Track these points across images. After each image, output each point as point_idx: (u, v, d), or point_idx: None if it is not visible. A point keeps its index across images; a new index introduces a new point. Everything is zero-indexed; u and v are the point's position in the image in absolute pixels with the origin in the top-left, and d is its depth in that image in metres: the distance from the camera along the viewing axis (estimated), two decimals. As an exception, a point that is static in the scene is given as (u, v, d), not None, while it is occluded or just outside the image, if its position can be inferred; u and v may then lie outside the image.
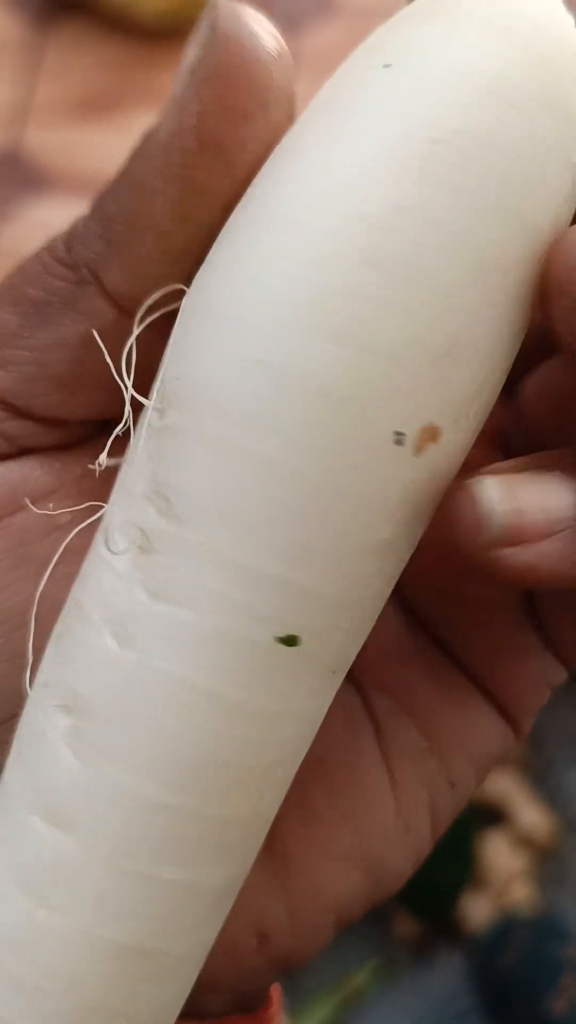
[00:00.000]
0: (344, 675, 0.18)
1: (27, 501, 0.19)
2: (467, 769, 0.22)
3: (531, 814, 0.60)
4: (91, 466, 0.19)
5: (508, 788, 0.61)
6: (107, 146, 0.81)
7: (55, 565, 0.19)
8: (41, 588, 0.19)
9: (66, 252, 0.20)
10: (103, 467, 0.19)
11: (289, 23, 0.82)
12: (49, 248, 0.20)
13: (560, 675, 0.22)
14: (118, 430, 0.19)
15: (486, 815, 0.61)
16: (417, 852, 0.22)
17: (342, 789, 0.21)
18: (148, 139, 0.18)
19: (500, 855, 0.59)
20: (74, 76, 0.84)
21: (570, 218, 0.17)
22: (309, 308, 0.15)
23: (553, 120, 0.16)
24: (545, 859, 0.60)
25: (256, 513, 0.16)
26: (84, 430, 0.20)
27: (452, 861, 0.58)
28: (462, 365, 0.15)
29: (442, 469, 0.16)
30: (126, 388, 0.18)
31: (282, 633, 0.16)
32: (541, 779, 0.62)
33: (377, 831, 0.21)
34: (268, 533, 0.16)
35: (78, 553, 0.19)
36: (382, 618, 0.20)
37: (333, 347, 0.15)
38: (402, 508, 0.16)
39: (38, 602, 0.19)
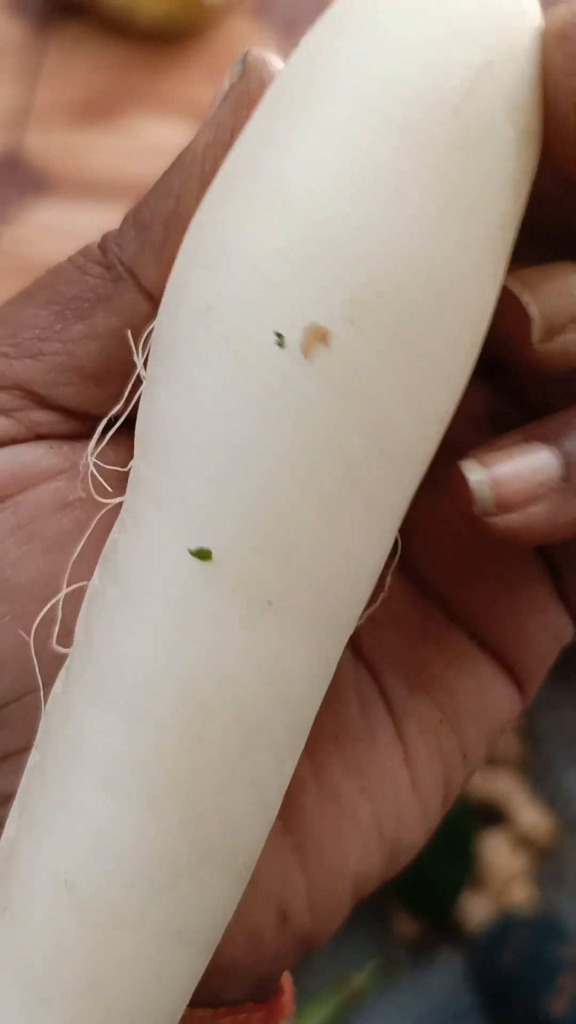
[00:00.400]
0: (315, 624, 0.17)
1: (90, 483, 0.20)
2: (478, 739, 0.22)
3: (531, 814, 0.60)
4: (82, 463, 0.20)
5: (508, 788, 0.61)
6: (107, 149, 0.81)
7: (64, 544, 0.20)
8: (71, 566, 0.20)
9: (102, 255, 0.21)
10: (89, 462, 0.20)
11: (288, 24, 0.82)
12: (83, 252, 0.21)
13: (569, 631, 0.23)
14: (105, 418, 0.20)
15: (486, 815, 0.61)
16: (428, 825, 0.22)
17: (359, 765, 0.22)
18: (185, 152, 0.20)
19: (500, 855, 0.59)
20: (74, 79, 0.84)
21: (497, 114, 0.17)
22: (193, 237, 0.18)
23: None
24: (544, 859, 0.60)
25: (174, 438, 0.17)
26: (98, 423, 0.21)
27: (452, 861, 0.58)
28: (349, 266, 0.16)
29: (347, 383, 0.16)
30: (141, 368, 0.19)
31: (194, 547, 0.17)
32: (541, 779, 0.62)
33: (394, 805, 0.22)
34: (181, 456, 0.17)
35: (82, 532, 0.20)
36: (388, 599, 0.21)
37: (209, 267, 0.17)
38: (309, 425, 0.16)
39: (46, 579, 0.20)
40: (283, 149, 0.17)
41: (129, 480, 0.18)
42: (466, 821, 0.59)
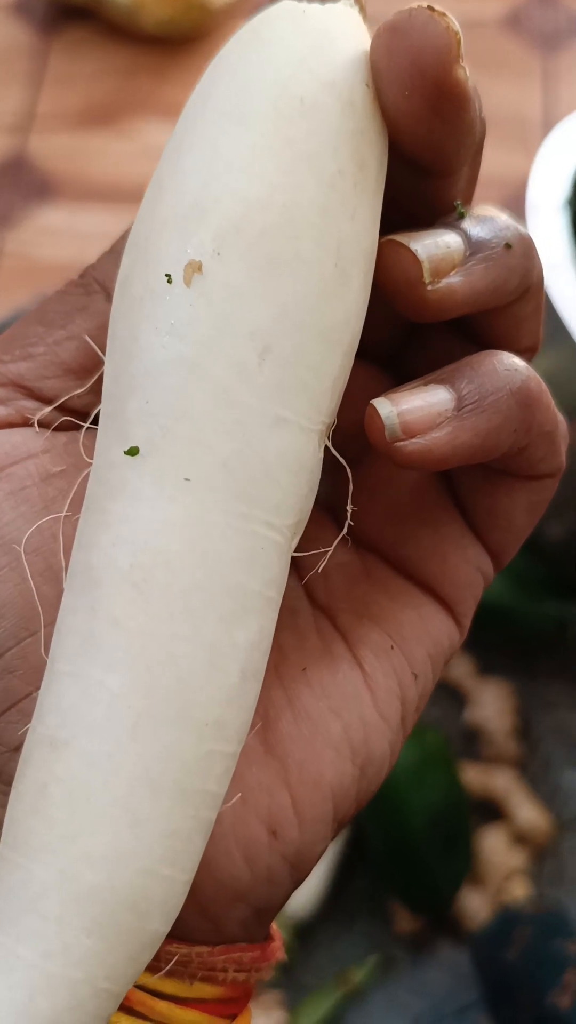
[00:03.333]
0: (228, 494, 0.21)
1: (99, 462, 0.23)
2: (424, 660, 0.26)
3: (529, 812, 0.60)
4: (30, 417, 0.25)
5: (506, 785, 0.61)
6: (110, 152, 0.82)
7: (51, 506, 0.24)
8: (52, 528, 0.24)
9: (80, 278, 0.25)
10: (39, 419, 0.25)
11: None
12: (66, 283, 0.25)
13: (488, 563, 0.27)
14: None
15: (484, 812, 0.61)
16: (392, 741, 0.26)
17: (325, 689, 0.25)
18: None
19: (498, 852, 0.60)
20: (78, 83, 0.85)
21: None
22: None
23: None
24: (543, 857, 0.61)
25: (113, 378, 0.22)
26: (82, 418, 0.25)
27: (450, 857, 0.59)
28: (212, 216, 0.21)
29: (221, 296, 0.21)
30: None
31: (126, 448, 0.21)
32: (539, 778, 0.62)
33: (359, 719, 0.25)
34: (118, 385, 0.22)
35: (65, 497, 0.24)
36: (335, 556, 0.26)
37: (127, 253, 0.22)
38: (198, 333, 0.21)
39: (38, 535, 0.23)
40: (171, 164, 0.22)
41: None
42: (464, 817, 0.59)
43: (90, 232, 0.78)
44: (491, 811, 0.61)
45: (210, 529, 0.21)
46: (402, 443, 0.22)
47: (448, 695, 0.64)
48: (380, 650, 0.26)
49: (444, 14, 0.21)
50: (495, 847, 0.60)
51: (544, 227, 0.55)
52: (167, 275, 0.21)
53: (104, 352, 0.23)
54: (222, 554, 0.21)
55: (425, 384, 0.23)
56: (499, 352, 0.24)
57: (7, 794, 0.22)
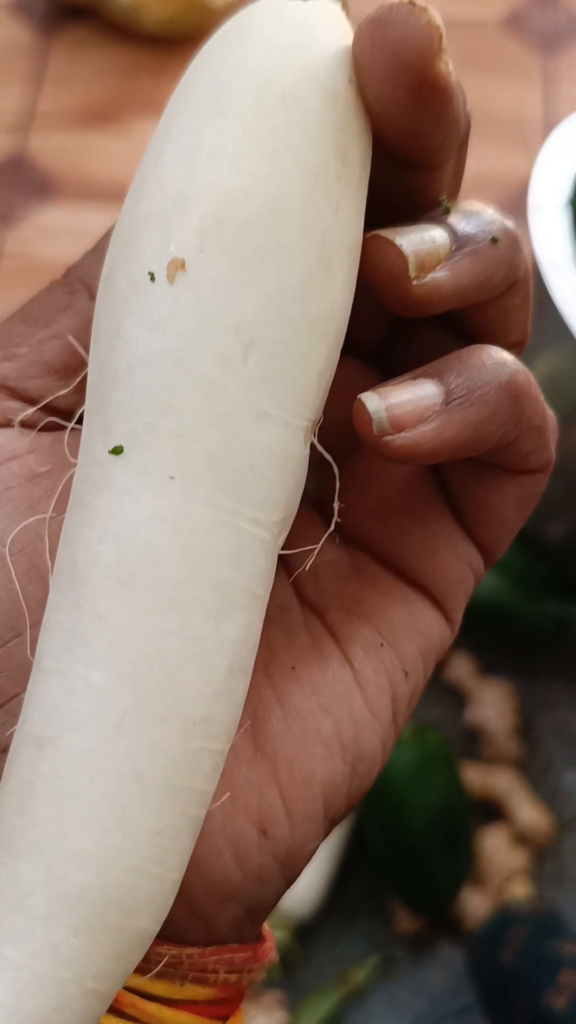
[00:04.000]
0: (214, 489, 0.21)
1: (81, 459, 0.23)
2: (415, 656, 0.26)
3: (529, 812, 0.60)
4: (12, 418, 0.24)
5: (507, 785, 0.61)
6: (110, 151, 0.82)
7: (36, 507, 0.24)
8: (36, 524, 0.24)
9: (63, 278, 0.25)
10: (23, 419, 0.24)
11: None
12: (51, 282, 0.25)
13: (478, 558, 0.26)
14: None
15: (484, 812, 0.61)
16: (383, 738, 0.26)
17: (315, 687, 0.25)
18: None
19: (499, 852, 0.60)
20: (78, 82, 0.85)
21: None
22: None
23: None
24: (544, 857, 0.61)
25: (98, 374, 0.22)
26: (66, 418, 0.25)
27: (451, 857, 0.59)
28: (195, 209, 0.21)
29: (205, 292, 0.21)
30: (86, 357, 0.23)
31: (111, 447, 0.21)
32: (539, 778, 0.62)
33: (349, 716, 0.25)
34: (101, 382, 0.22)
35: (51, 497, 0.24)
36: (326, 554, 0.26)
37: (111, 248, 0.22)
38: (183, 330, 0.21)
39: (23, 535, 0.23)
40: (154, 157, 0.22)
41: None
42: (465, 817, 0.59)
43: (90, 231, 0.78)
44: (492, 811, 0.61)
45: (196, 524, 0.21)
46: (390, 437, 0.22)
47: (449, 695, 0.64)
48: (370, 647, 0.25)
49: (425, 8, 0.21)
50: (496, 847, 0.60)
51: (546, 228, 0.55)
52: (150, 274, 0.21)
53: (88, 351, 0.23)
54: (208, 549, 0.21)
55: (413, 378, 0.23)
56: (487, 346, 0.24)
57: None
